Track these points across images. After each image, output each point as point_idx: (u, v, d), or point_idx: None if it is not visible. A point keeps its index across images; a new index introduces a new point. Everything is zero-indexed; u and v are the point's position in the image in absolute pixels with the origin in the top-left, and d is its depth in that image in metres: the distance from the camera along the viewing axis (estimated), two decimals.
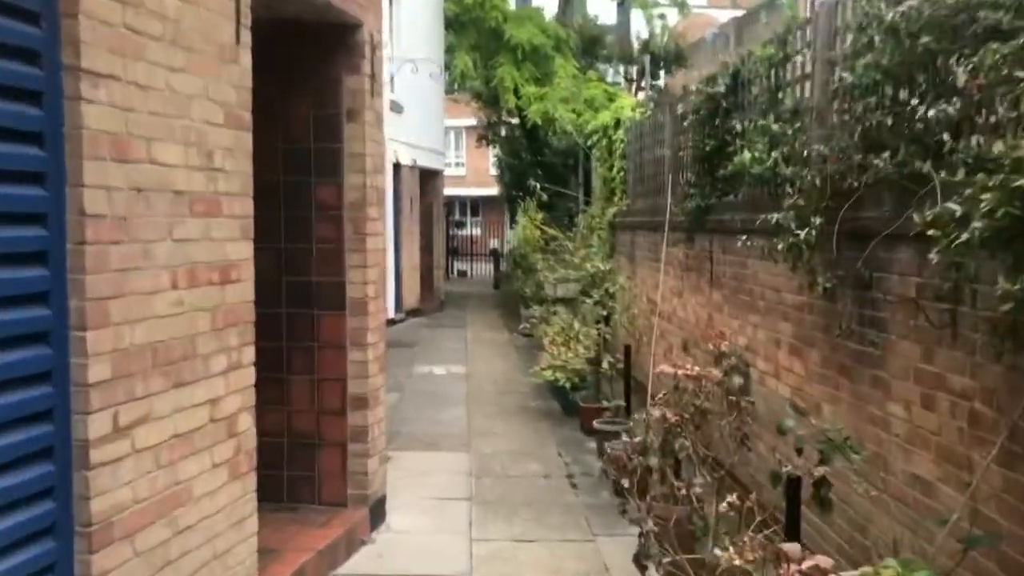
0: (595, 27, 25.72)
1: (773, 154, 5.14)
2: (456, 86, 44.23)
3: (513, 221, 41.54)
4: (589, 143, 15.67)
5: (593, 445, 7.25)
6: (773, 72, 5.83)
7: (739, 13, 31.17)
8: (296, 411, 5.31)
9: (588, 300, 10.02)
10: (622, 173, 12.21)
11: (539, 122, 18.88)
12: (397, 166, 16.66)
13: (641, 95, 19.12)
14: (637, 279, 10.34)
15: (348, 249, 5.24)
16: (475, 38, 20.43)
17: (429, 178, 19.08)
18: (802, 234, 4.17)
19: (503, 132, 26.76)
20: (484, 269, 31.80)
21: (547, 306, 12.86)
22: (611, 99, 17.80)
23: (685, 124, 8.31)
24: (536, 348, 12.61)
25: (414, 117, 17.51)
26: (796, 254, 4.30)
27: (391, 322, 15.78)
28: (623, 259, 11.25)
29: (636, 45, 25.55)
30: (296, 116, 5.22)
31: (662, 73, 23.10)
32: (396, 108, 16.55)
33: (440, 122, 20.10)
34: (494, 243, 39.90)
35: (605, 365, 8.28)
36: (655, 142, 10.00)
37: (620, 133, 12.24)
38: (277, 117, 5.17)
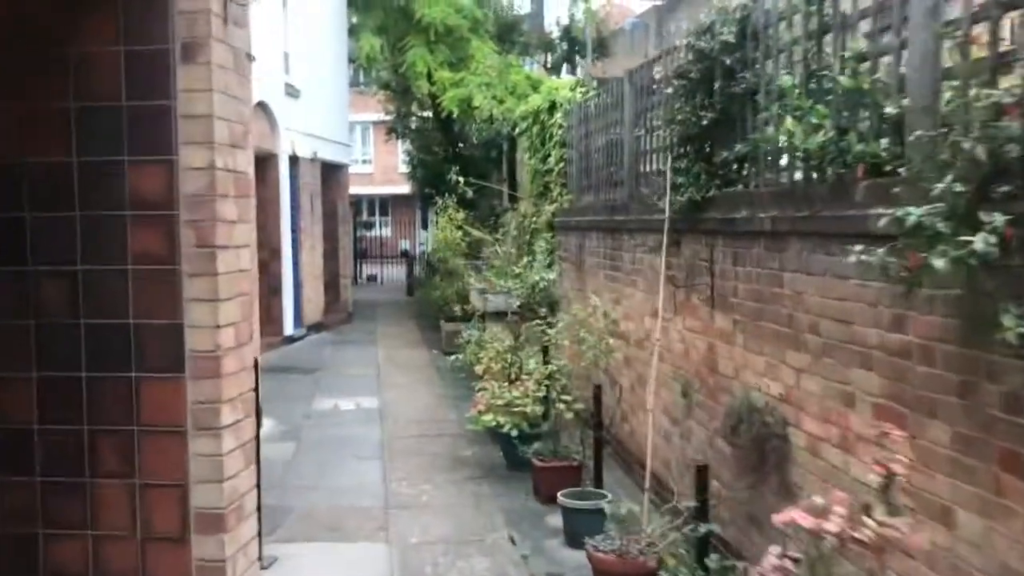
0: (510, 14, 24.07)
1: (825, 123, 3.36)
2: (362, 74, 41.83)
3: (425, 221, 39.54)
4: (516, 131, 13.83)
5: (556, 522, 5.38)
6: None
7: (658, 2, 29.99)
8: (106, 537, 3.26)
9: (533, 317, 8.18)
10: (561, 164, 10.40)
11: (455, 111, 16.93)
12: (294, 159, 14.45)
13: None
14: (588, 292, 8.54)
15: (188, 272, 3.22)
16: (382, 18, 18.31)
17: (332, 173, 16.91)
18: (979, 242, 2.38)
19: (414, 124, 24.69)
20: (396, 273, 29.63)
21: (475, 322, 10.96)
22: (534, 87, 16.02)
23: (656, 98, 6.56)
24: (463, 371, 10.70)
25: (314, 103, 15.31)
26: (961, 275, 2.51)
27: (289, 340, 13.57)
28: (567, 266, 9.43)
29: (556, 32, 23.96)
30: (95, 56, 3.19)
31: (583, 62, 21.52)
32: (292, 92, 14.34)
33: (344, 111, 17.94)
34: (405, 245, 37.84)
35: (561, 407, 6.44)
36: (607, 124, 8.22)
37: (557, 118, 10.43)
38: (61, 56, 3.13)
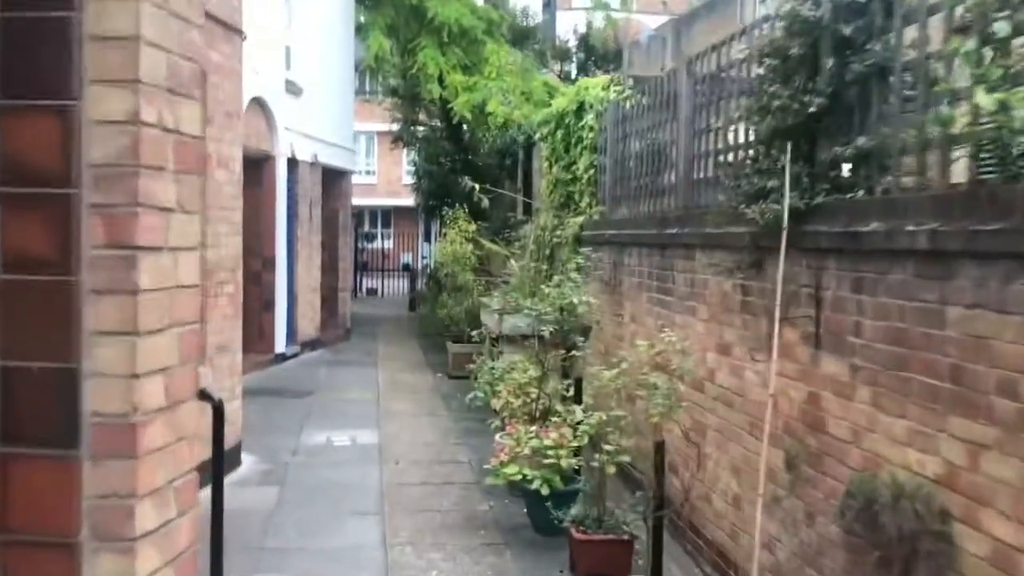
0: (524, 22, 23.16)
1: None
2: (367, 82, 40.83)
3: (429, 234, 38.41)
4: (536, 137, 12.70)
5: None
6: None
7: (670, 17, 29.00)
8: None
9: (563, 344, 7.00)
10: (591, 172, 9.25)
11: (467, 117, 15.81)
12: (293, 161, 13.30)
13: None
14: (626, 317, 7.35)
15: (91, 288, 2.03)
16: (392, 17, 17.25)
17: (334, 179, 15.76)
18: None
19: (421, 133, 23.60)
20: (397, 287, 28.48)
21: (487, 345, 9.77)
22: (550, 94, 14.93)
23: (729, 87, 5.42)
24: (471, 401, 9.51)
25: (317, 103, 14.19)
26: None
27: (281, 358, 12.37)
28: (598, 286, 8.26)
29: (573, 40, 22.97)
30: None
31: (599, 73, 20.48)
32: (293, 90, 13.21)
33: (349, 113, 16.82)
34: (407, 258, 36.73)
35: (603, 458, 5.23)
36: (652, 126, 7.07)
37: (588, 120, 9.29)
38: None
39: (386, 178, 41.16)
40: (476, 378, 8.32)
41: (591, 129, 9.21)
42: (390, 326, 18.77)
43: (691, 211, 5.95)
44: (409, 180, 40.21)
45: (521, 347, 8.89)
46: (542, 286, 7.62)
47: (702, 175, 5.96)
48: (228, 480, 6.70)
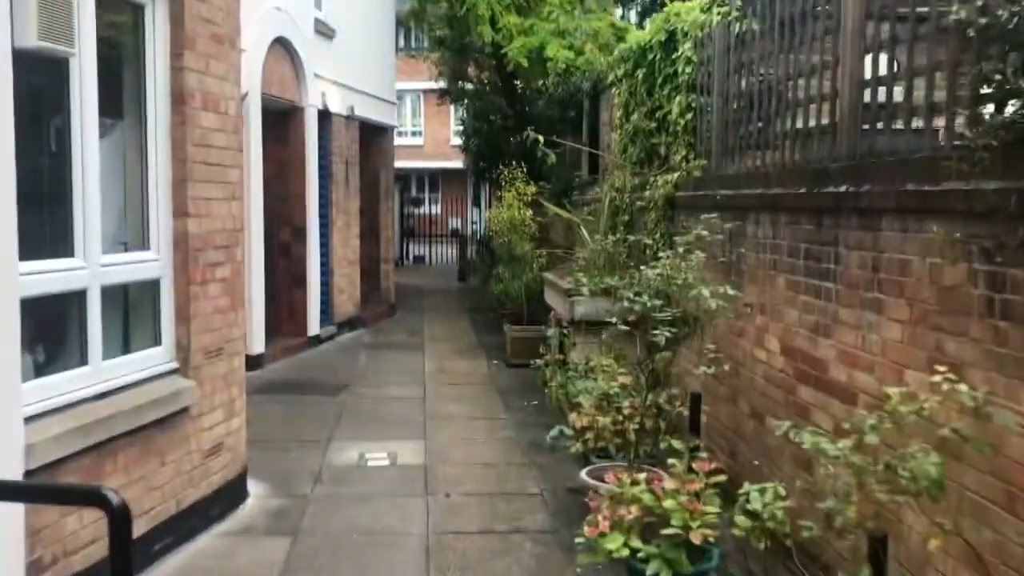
0: None
1: None
2: (412, 38, 38.72)
3: (478, 198, 36.69)
4: (609, 81, 10.81)
5: None
6: None
7: None
8: None
9: (654, 330, 5.20)
10: (688, 117, 7.37)
11: (523, 64, 13.88)
12: (325, 114, 11.59)
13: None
14: (750, 309, 5.52)
15: None
16: None
17: (374, 136, 14.04)
18: None
19: (469, 88, 21.76)
20: (445, 254, 26.85)
21: (555, 333, 8.03)
22: (619, 37, 12.97)
23: None
24: (534, 389, 7.80)
25: (352, 48, 12.44)
26: None
27: (315, 341, 10.79)
28: (701, 262, 6.41)
29: None
30: None
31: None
32: (325, 32, 11.47)
33: (390, 61, 15.00)
34: (455, 223, 35.08)
35: (744, 523, 3.48)
36: (791, 45, 5.18)
37: (685, 50, 7.38)
38: None
39: (433, 139, 39.39)
40: (546, 383, 6.62)
41: (688, 63, 7.30)
42: (438, 299, 17.12)
43: (870, 160, 4.09)
44: (457, 141, 38.42)
45: (599, 337, 7.15)
46: (644, 264, 5.79)
47: (884, 110, 4.08)
48: (227, 527, 4.93)
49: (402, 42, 39.34)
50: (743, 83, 6.07)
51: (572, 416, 5.58)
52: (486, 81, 20.77)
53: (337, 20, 11.85)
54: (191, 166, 4.81)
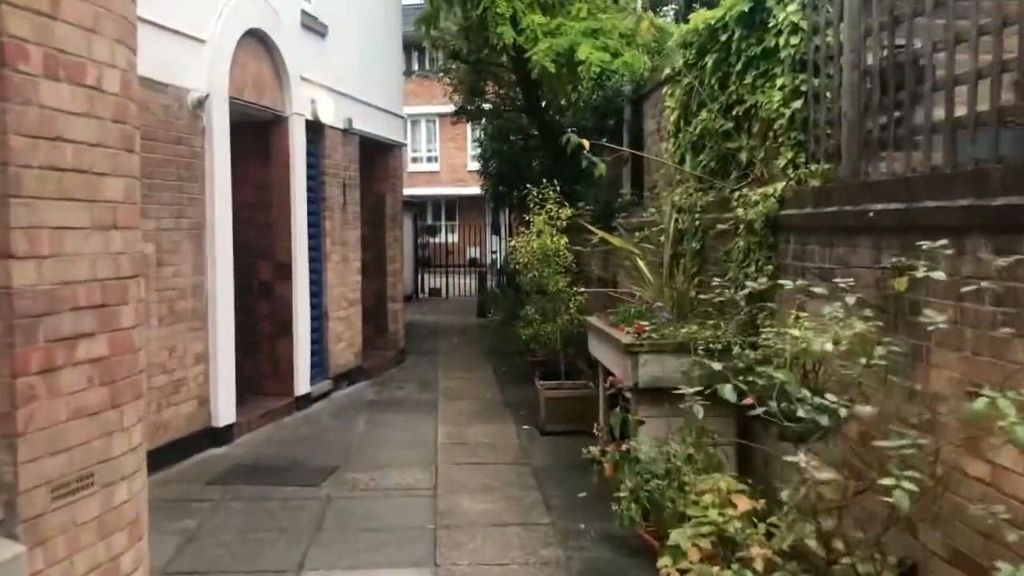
0: None
1: None
2: (427, 61, 36.80)
3: (497, 225, 34.79)
4: (652, 84, 8.84)
5: None
6: None
7: None
8: None
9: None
10: (794, 107, 5.32)
11: (549, 69, 11.91)
12: (316, 126, 9.64)
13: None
14: (940, 381, 3.42)
15: None
16: None
17: (378, 154, 12.08)
18: None
19: (487, 105, 19.89)
20: (463, 286, 24.85)
21: (618, 414, 5.97)
22: (658, 44, 11.03)
23: None
24: (582, 469, 5.70)
25: (349, 49, 10.52)
26: None
27: (305, 401, 8.78)
28: (837, 310, 4.31)
29: None
30: None
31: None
32: (314, 27, 9.55)
33: (397, 66, 13.03)
34: (474, 252, 33.16)
35: None
36: None
37: (789, 14, 5.34)
38: None
39: (449, 164, 37.59)
40: (620, 487, 4.52)
41: (795, 31, 5.26)
42: (455, 340, 15.04)
43: None
44: (475, 166, 36.57)
45: (665, 408, 5.15)
46: (727, 307, 3.73)
47: None
48: None
49: (415, 65, 37.81)
50: (879, 55, 4.02)
51: (664, 565, 3.50)
52: (505, 96, 18.89)
53: (331, 15, 9.94)
54: (16, 173, 2.79)
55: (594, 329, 6.81)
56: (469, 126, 37.41)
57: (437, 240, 29.69)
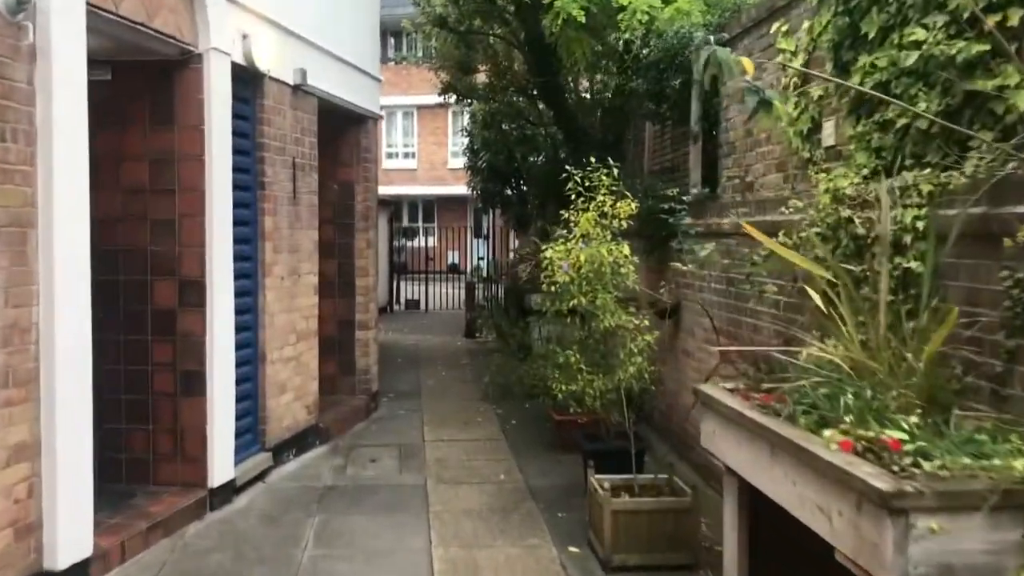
0: None
1: None
2: (404, 43, 33.56)
3: (479, 228, 31.61)
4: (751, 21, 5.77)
5: None
6: None
7: None
8: None
9: None
10: None
11: (578, 18, 8.77)
12: (249, 74, 6.43)
13: None
14: None
15: None
16: None
17: (347, 128, 8.85)
18: None
19: (482, 82, 16.80)
20: (445, 296, 21.66)
21: None
22: None
23: None
24: None
25: None
26: None
27: (222, 495, 5.54)
28: None
29: None
30: None
31: None
32: None
33: (373, 13, 9.72)
34: (454, 257, 30.01)
35: None
36: None
37: None
38: None
39: (428, 161, 34.40)
40: None
41: None
42: (442, 373, 11.85)
43: None
44: (456, 164, 33.39)
45: None
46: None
47: None
48: None
49: (391, 52, 34.56)
50: None
51: None
52: (504, 72, 15.75)
53: None
54: None
55: (737, 418, 3.68)
56: (451, 119, 34.29)
57: (414, 244, 26.42)
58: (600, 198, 6.00)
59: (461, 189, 31.06)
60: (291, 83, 7.07)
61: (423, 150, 34.32)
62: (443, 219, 33.03)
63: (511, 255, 21.42)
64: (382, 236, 19.54)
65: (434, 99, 32.28)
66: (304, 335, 7.41)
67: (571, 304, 5.90)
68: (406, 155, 34.66)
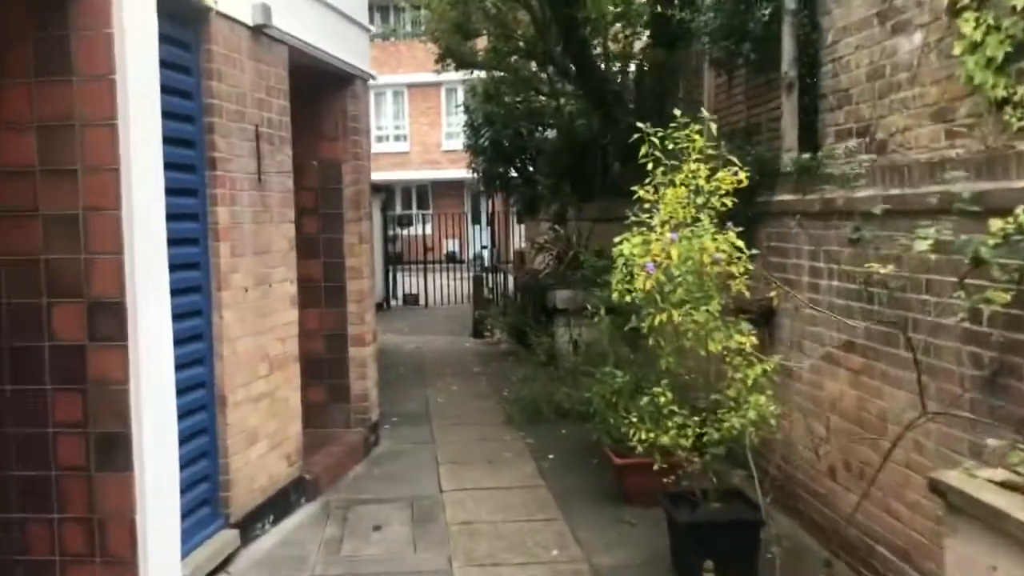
0: None
1: None
2: (392, 15, 32.02)
3: (477, 214, 29.80)
4: None
5: None
6: None
7: None
8: None
9: None
10: None
11: None
12: (191, 7, 4.59)
13: None
14: None
15: None
16: None
17: (329, 91, 6.98)
18: None
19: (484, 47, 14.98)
20: (445, 288, 19.85)
21: None
22: None
23: None
24: None
25: None
26: None
27: None
28: None
29: None
30: None
31: None
32: None
33: None
34: (452, 246, 28.25)
35: None
36: None
37: None
38: None
39: (422, 144, 32.50)
40: None
41: None
42: (453, 384, 10.04)
43: None
44: (451, 146, 31.46)
45: None
46: None
47: None
48: None
49: (378, 27, 32.52)
50: None
51: None
52: (511, 35, 13.91)
53: None
54: None
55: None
56: (444, 97, 32.31)
57: (410, 232, 24.50)
58: (692, 166, 4.18)
59: (457, 173, 29.19)
60: (249, 23, 5.21)
61: (415, 132, 32.38)
62: (438, 205, 31.15)
63: (521, 243, 19.59)
64: (375, 226, 17.72)
65: (426, 77, 30.30)
66: (280, 362, 5.59)
67: (657, 321, 4.08)
68: (397, 138, 32.73)
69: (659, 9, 8.60)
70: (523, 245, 19.38)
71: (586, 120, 12.72)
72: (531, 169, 17.15)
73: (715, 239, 3.94)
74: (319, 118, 6.95)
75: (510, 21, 14.08)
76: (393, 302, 19.72)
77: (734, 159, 4.21)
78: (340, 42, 6.70)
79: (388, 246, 20.23)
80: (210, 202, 4.81)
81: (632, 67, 11.63)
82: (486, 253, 22.20)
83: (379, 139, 32.18)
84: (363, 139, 7.25)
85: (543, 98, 16.06)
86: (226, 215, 4.92)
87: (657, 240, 4.06)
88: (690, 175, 4.15)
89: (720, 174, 4.15)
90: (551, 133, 16.28)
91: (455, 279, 20.26)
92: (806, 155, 5.43)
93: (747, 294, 4.23)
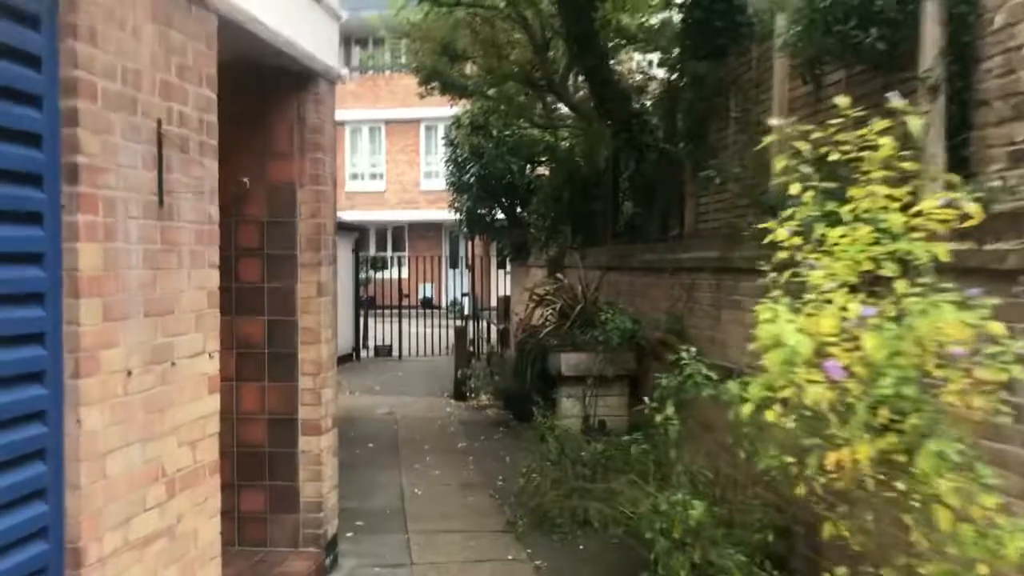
0: None
1: None
2: (371, 45, 31.29)
3: (455, 258, 28.01)
4: None
5: None
6: None
7: None
8: None
9: None
10: None
11: None
12: None
13: None
14: None
15: None
16: None
17: (284, 88, 5.22)
18: None
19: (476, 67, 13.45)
20: (421, 336, 17.99)
21: None
22: None
23: None
24: None
25: None
26: None
27: None
28: None
29: None
30: None
31: None
32: None
33: None
34: (428, 290, 26.48)
35: None
36: None
37: None
38: None
39: (398, 183, 30.79)
40: None
41: None
42: (434, 468, 8.11)
43: None
44: (429, 186, 29.70)
45: None
46: None
47: None
48: None
49: (355, 60, 30.92)
50: None
51: None
52: (509, 56, 12.34)
53: None
54: None
55: None
56: (423, 134, 30.61)
57: (384, 276, 22.62)
58: (877, 189, 2.42)
59: (435, 214, 27.42)
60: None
61: (392, 170, 30.63)
62: (415, 247, 29.31)
63: (505, 290, 17.82)
64: (346, 269, 15.81)
65: (405, 112, 28.63)
66: (187, 480, 3.70)
67: (842, 459, 2.29)
68: (373, 176, 30.99)
69: (697, 14, 6.97)
70: (507, 292, 17.64)
71: (589, 153, 11.08)
72: (520, 210, 15.48)
73: (958, 315, 2.18)
74: (267, 127, 5.15)
75: (503, 43, 12.51)
76: (364, 352, 17.78)
77: (953, 178, 2.47)
78: (299, 25, 4.92)
79: (360, 290, 18.35)
80: (66, 235, 2.97)
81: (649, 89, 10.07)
82: (466, 300, 20.40)
83: (354, 176, 30.46)
84: (327, 157, 5.43)
85: (536, 131, 14.44)
86: (95, 256, 3.07)
87: (828, 316, 2.29)
88: (875, 205, 2.40)
89: (926, 203, 2.41)
90: (543, 169, 14.64)
91: (431, 326, 18.43)
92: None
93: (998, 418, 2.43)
